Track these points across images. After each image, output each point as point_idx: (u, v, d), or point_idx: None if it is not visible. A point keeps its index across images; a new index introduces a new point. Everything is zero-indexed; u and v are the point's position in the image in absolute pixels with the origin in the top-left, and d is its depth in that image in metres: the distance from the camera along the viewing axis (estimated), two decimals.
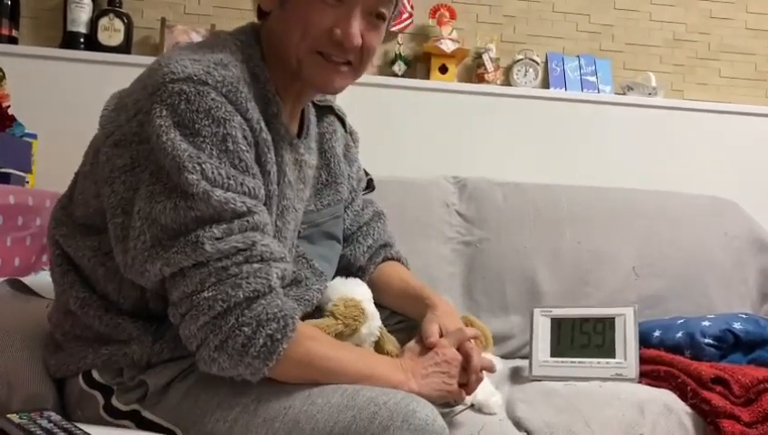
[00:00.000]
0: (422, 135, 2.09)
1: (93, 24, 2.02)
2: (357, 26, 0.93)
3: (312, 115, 1.14)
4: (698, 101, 2.23)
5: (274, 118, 0.96)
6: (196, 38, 2.08)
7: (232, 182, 0.86)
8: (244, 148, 0.88)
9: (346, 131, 1.24)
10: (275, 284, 0.88)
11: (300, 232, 1.08)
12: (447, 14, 2.12)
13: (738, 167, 2.14)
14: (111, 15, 2.02)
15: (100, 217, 0.94)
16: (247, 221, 0.87)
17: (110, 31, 2.02)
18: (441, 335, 1.05)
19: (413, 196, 1.84)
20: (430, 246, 1.78)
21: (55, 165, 1.93)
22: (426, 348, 1.02)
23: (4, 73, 1.73)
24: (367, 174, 1.82)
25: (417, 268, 1.69)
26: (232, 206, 0.85)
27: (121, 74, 1.97)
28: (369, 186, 1.83)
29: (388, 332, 1.16)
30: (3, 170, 1.59)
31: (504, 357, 1.67)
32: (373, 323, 1.09)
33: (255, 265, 0.86)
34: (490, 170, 2.00)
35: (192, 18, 2.12)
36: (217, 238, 0.85)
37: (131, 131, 0.89)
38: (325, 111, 1.18)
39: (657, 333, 1.53)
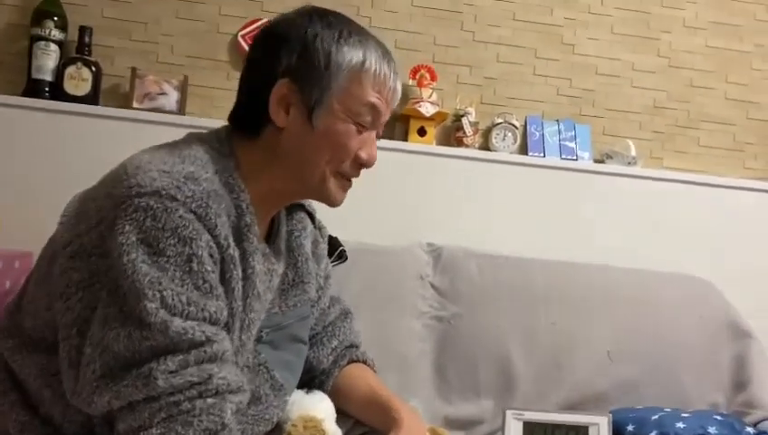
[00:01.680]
0: (398, 198, 2.04)
1: (60, 71, 1.94)
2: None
3: (282, 214, 1.09)
4: (678, 170, 2.21)
5: (248, 229, 0.93)
6: (168, 89, 2.02)
7: (192, 308, 0.82)
8: (209, 268, 0.84)
9: (315, 227, 1.19)
10: (228, 420, 0.83)
11: (262, 337, 1.02)
12: (428, 75, 2.08)
13: (716, 242, 2.12)
14: (79, 64, 1.94)
15: (51, 331, 0.87)
16: (204, 352, 0.82)
17: (77, 80, 1.94)
18: None
19: (386, 266, 1.80)
20: (402, 321, 1.73)
21: (15, 220, 1.85)
22: None
23: None
24: (339, 244, 1.78)
25: (387, 344, 1.65)
26: (190, 336, 0.81)
27: (88, 126, 1.95)
28: (342, 256, 1.78)
29: None
30: None
31: None
32: None
33: (209, 401, 0.82)
34: (466, 237, 1.96)
35: (164, 68, 2.05)
36: (171, 372, 0.80)
37: (91, 243, 0.84)
38: (295, 207, 1.14)
39: (630, 428, 1.50)
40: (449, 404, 1.66)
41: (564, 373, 1.68)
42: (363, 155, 0.98)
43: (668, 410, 1.56)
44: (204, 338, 0.82)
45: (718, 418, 1.44)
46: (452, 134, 2.13)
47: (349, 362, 1.20)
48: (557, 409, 1.64)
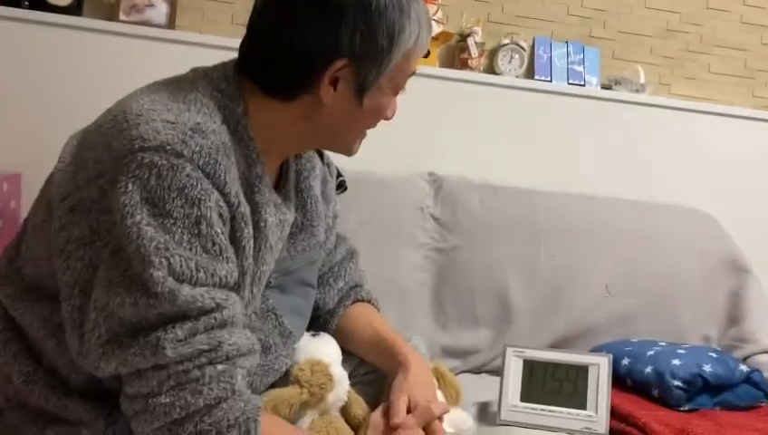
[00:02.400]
0: (398, 124, 1.94)
1: None
2: None
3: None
4: (685, 97, 2.15)
5: (259, 180, 0.88)
6: (157, 0, 1.89)
7: (202, 274, 0.78)
8: (218, 230, 0.80)
9: (324, 163, 1.14)
10: (239, 386, 0.82)
11: (270, 282, 1.00)
12: None
13: (721, 174, 2.09)
14: None
15: (53, 281, 0.84)
16: (215, 319, 0.80)
17: None
18: (409, 409, 1.00)
19: (386, 197, 1.76)
20: (402, 252, 1.72)
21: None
22: (390, 428, 0.98)
23: None
24: (339, 174, 1.73)
25: (387, 276, 1.64)
26: (200, 304, 0.78)
27: (71, 39, 1.83)
28: (342, 186, 1.74)
29: (357, 383, 1.12)
30: None
31: (472, 372, 1.66)
32: (340, 388, 1.04)
33: (220, 367, 0.80)
34: (468, 164, 1.92)
35: None
36: (179, 340, 0.77)
37: (91, 197, 0.79)
38: None
39: (625, 362, 1.52)
40: (447, 333, 1.68)
41: (562, 306, 1.69)
42: (389, 114, 0.96)
43: (663, 344, 1.58)
44: (214, 304, 0.79)
45: (713, 355, 1.46)
46: (456, 55, 2.04)
47: (353, 302, 1.19)
48: (554, 341, 1.66)
